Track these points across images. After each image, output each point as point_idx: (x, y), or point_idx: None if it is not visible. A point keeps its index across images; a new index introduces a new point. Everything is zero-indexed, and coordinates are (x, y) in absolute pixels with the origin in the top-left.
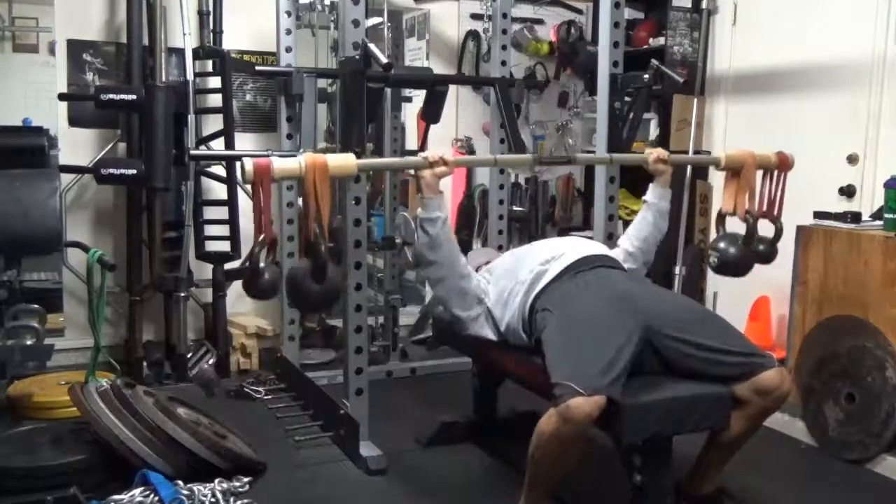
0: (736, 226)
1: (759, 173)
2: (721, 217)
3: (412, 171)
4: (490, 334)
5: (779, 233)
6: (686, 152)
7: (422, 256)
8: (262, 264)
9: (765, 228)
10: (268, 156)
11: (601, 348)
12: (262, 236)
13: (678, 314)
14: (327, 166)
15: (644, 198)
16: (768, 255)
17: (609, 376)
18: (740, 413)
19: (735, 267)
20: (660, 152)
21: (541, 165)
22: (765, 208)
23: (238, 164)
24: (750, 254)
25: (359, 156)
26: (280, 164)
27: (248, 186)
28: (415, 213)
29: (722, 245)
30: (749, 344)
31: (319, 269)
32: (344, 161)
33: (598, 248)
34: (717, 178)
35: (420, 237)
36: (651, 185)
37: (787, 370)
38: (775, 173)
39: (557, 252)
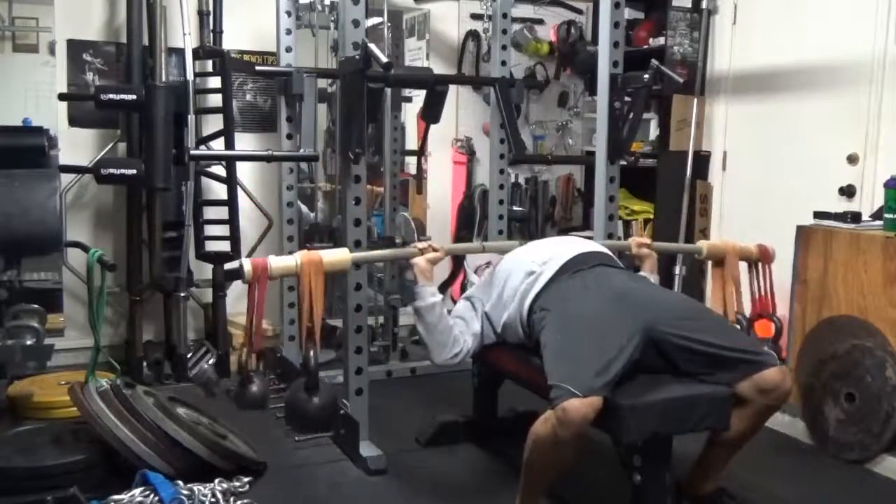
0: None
1: (744, 266)
2: None
3: (412, 172)
4: (487, 340)
5: (779, 332)
6: (686, 152)
7: (426, 349)
8: (251, 373)
9: None
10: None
11: (599, 349)
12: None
13: (679, 312)
14: (322, 262)
15: None
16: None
17: (606, 377)
18: (742, 411)
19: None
20: (641, 239)
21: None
22: (758, 308)
23: (238, 264)
24: None
25: (358, 157)
26: (277, 263)
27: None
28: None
29: None
30: (750, 341)
31: (312, 381)
32: (339, 256)
33: (594, 246)
34: (716, 178)
35: (417, 323)
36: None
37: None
38: (759, 265)
39: (555, 252)
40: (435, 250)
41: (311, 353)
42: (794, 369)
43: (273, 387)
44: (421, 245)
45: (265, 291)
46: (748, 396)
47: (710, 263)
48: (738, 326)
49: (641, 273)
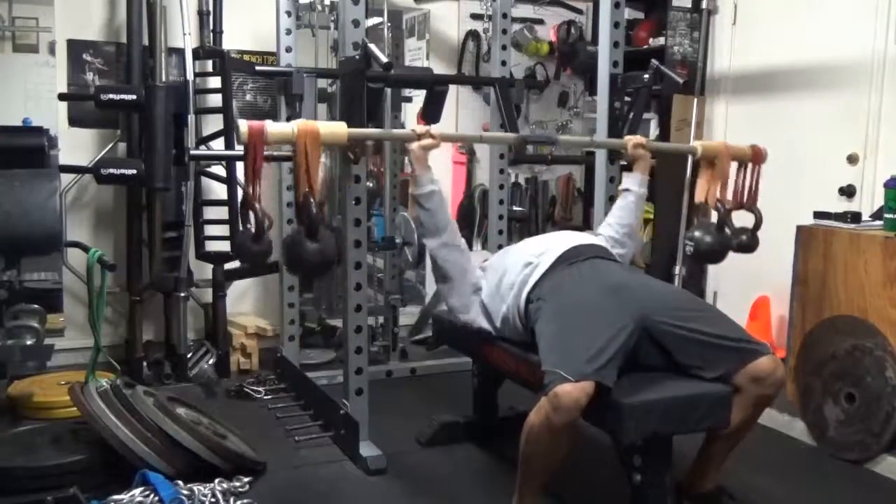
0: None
1: (734, 166)
2: (696, 208)
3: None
4: (485, 324)
5: (758, 221)
6: None
7: (422, 230)
8: (250, 227)
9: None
10: None
11: (591, 336)
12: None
13: (673, 303)
14: (319, 132)
15: (622, 185)
16: (750, 245)
17: (597, 363)
18: (737, 403)
19: (710, 254)
20: (638, 138)
21: (525, 144)
22: (743, 200)
23: (235, 125)
24: (725, 240)
25: (357, 157)
26: (274, 128)
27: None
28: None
29: (697, 234)
30: (743, 332)
31: (312, 226)
32: (335, 128)
33: (588, 238)
34: None
35: (418, 212)
36: (628, 174)
37: (787, 370)
38: (749, 165)
39: (551, 244)
40: (431, 136)
41: (311, 199)
42: (794, 369)
43: (272, 387)
44: (419, 129)
45: (262, 155)
46: (742, 386)
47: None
48: (717, 214)
49: (633, 174)
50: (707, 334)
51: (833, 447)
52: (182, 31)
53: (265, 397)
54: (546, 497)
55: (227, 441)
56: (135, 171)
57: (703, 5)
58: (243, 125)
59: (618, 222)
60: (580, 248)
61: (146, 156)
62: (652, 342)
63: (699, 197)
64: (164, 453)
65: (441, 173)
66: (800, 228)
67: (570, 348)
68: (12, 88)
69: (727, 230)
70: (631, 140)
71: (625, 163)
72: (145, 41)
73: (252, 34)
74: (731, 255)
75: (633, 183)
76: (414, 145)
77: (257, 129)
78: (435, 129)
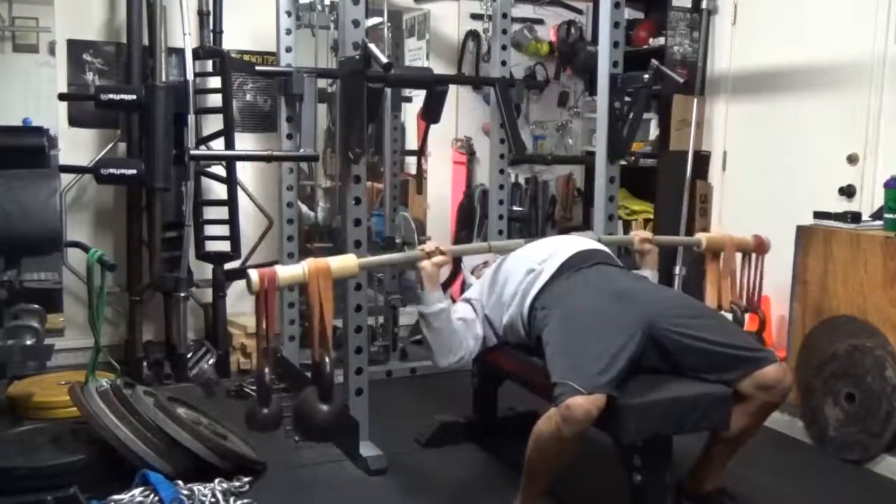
0: None
1: (738, 256)
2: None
3: (412, 172)
4: (489, 343)
5: (762, 324)
6: (686, 152)
7: (433, 352)
8: (268, 380)
9: None
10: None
11: (602, 346)
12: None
13: (679, 310)
14: (330, 269)
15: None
16: None
17: (609, 375)
18: (742, 409)
19: None
20: (644, 233)
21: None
22: (751, 298)
23: (245, 276)
24: None
25: (358, 157)
26: (285, 273)
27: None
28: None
29: None
30: (750, 339)
31: (326, 388)
32: (346, 262)
33: (594, 244)
34: (716, 179)
35: (426, 332)
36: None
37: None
38: (753, 257)
39: (554, 250)
40: (442, 253)
41: (326, 359)
42: (794, 369)
43: (272, 387)
44: (428, 248)
45: (275, 301)
46: (749, 393)
47: (707, 256)
48: (733, 316)
49: (642, 270)
50: (713, 342)
51: (833, 447)
52: (182, 31)
53: None
54: (547, 497)
55: (227, 441)
56: (135, 171)
57: (703, 5)
58: (254, 275)
59: None
60: (584, 254)
61: (146, 156)
62: (657, 348)
63: (711, 295)
64: (164, 453)
65: (441, 173)
66: (800, 228)
67: (581, 358)
68: (12, 88)
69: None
70: (637, 235)
71: (625, 163)
72: (145, 41)
73: (252, 34)
74: None
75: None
76: (425, 264)
77: (268, 276)
78: (442, 245)
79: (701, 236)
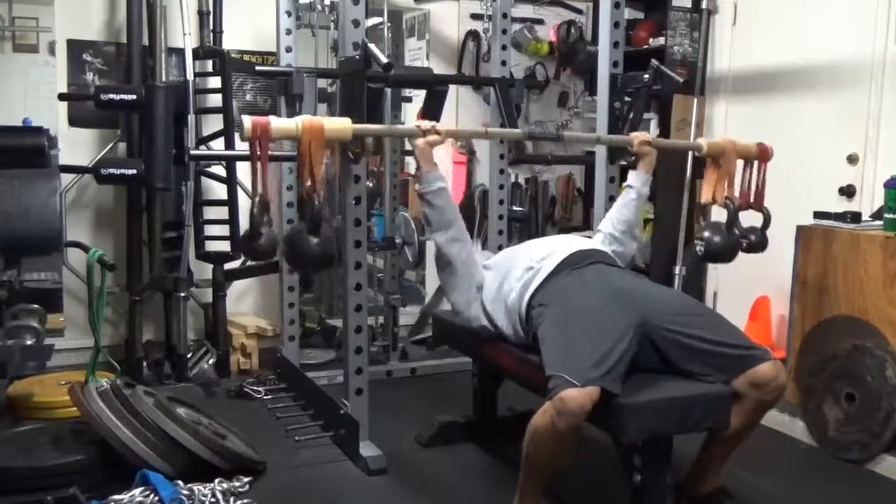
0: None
1: (740, 164)
2: (702, 207)
3: (412, 172)
4: (485, 322)
5: (767, 220)
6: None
7: (430, 226)
8: (261, 224)
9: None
10: None
11: (596, 341)
12: (259, 197)
13: (674, 308)
14: (323, 128)
15: (626, 183)
16: (759, 244)
17: (602, 368)
18: (737, 407)
19: (720, 254)
20: (644, 135)
21: (531, 139)
22: (750, 199)
23: (238, 121)
24: (734, 240)
25: (358, 157)
26: (278, 124)
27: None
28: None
29: (706, 234)
30: (744, 337)
31: (314, 222)
32: (340, 124)
33: (590, 243)
34: None
35: (426, 210)
36: (633, 172)
37: (787, 370)
38: (755, 164)
39: (552, 249)
40: (437, 132)
41: (314, 196)
42: (794, 369)
43: (272, 387)
44: (424, 125)
45: (267, 151)
46: (743, 392)
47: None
48: (727, 211)
49: (637, 171)
50: (707, 340)
51: (833, 447)
52: (182, 31)
53: (265, 397)
54: (546, 497)
55: (227, 441)
56: (135, 171)
57: (703, 5)
58: (247, 121)
59: (618, 218)
60: (582, 253)
61: (146, 156)
62: (652, 347)
63: (706, 196)
64: (164, 453)
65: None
66: (800, 228)
67: (575, 353)
68: (12, 88)
69: (736, 230)
70: (637, 137)
71: (625, 162)
72: (145, 41)
73: (252, 34)
74: None
75: (637, 181)
76: (419, 141)
77: (261, 124)
78: (439, 125)
79: (702, 141)
